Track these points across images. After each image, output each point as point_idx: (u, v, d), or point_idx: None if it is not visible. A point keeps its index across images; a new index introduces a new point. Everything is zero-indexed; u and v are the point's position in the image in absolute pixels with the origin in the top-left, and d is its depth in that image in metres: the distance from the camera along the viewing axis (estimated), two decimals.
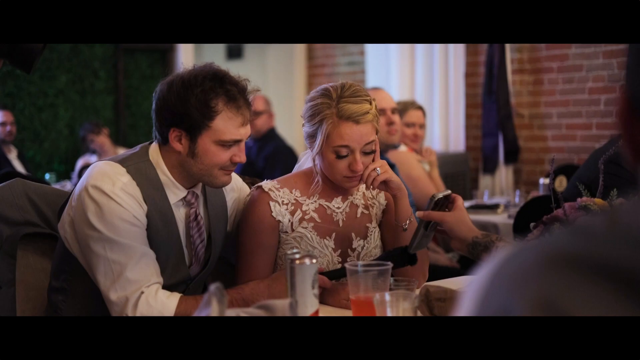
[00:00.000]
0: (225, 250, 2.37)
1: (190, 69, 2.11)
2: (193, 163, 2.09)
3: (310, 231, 2.26)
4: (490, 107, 6.26)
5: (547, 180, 4.72)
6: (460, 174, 6.27)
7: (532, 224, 2.15)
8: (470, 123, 6.66)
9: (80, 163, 6.29)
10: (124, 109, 7.26)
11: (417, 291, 1.98)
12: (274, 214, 2.25)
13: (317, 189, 2.30)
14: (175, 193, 2.14)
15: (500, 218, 4.33)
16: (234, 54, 8.73)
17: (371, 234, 2.35)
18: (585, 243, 0.69)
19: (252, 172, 5.51)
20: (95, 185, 2.03)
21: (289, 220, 2.26)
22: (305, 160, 2.44)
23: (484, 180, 6.38)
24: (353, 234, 2.32)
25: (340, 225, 2.32)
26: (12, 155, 6.20)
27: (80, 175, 5.70)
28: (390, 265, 1.90)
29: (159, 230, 2.09)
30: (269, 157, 5.59)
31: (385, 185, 2.28)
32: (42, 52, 2.18)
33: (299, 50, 7.87)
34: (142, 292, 1.98)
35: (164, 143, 2.12)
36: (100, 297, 2.04)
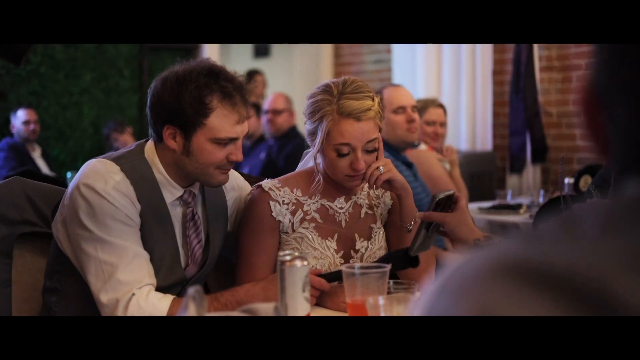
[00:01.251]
0: (227, 250, 2.31)
1: (185, 65, 2.05)
2: (188, 162, 2.03)
3: (312, 232, 2.20)
4: (517, 106, 6.15)
5: (572, 180, 4.61)
6: (486, 173, 6.16)
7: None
8: (497, 122, 6.55)
9: None
10: None
11: (418, 294, 1.91)
12: (274, 214, 2.18)
13: (319, 188, 2.23)
14: (171, 192, 2.09)
15: (522, 218, 4.23)
16: (261, 52, 8.70)
17: (375, 235, 2.27)
18: (532, 249, 0.66)
19: (273, 171, 5.47)
20: (87, 184, 1.98)
21: (290, 221, 2.20)
22: (309, 159, 2.38)
23: (511, 180, 6.27)
24: (356, 235, 2.25)
25: (343, 225, 2.25)
26: (36, 154, 6.21)
27: None
28: (387, 267, 1.83)
29: (153, 230, 2.04)
30: (289, 156, 5.53)
31: (389, 184, 2.20)
32: (31, 47, 2.15)
33: (325, 48, 7.81)
34: (134, 294, 1.93)
35: (158, 141, 2.07)
36: (92, 299, 1.99)
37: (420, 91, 6.47)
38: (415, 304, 0.72)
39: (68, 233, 2.02)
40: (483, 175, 6.11)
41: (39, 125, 6.29)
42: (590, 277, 0.59)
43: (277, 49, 8.69)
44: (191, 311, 1.44)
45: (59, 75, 6.78)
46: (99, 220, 1.96)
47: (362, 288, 1.83)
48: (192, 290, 1.46)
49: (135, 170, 2.04)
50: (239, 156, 2.05)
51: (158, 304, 1.93)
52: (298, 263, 1.71)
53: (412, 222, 2.23)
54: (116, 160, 2.05)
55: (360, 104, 2.11)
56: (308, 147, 2.26)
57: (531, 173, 6.18)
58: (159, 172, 2.07)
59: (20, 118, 6.11)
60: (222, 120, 1.99)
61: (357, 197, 2.29)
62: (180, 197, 2.11)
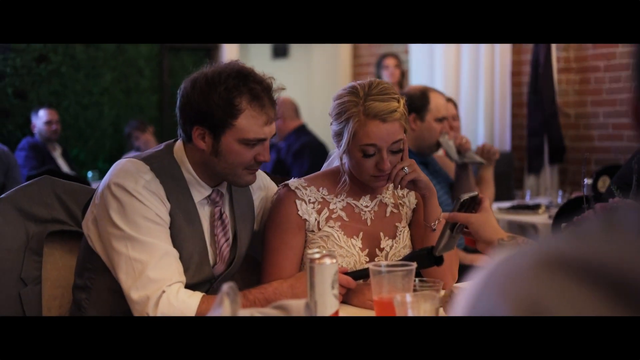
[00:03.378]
0: (253, 249, 2.35)
1: (214, 66, 2.09)
2: (217, 162, 2.06)
3: (337, 230, 2.23)
4: (535, 107, 6.16)
5: (591, 181, 4.62)
6: (505, 174, 6.17)
7: (563, 225, 2.09)
8: (515, 122, 6.57)
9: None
10: (168, 107, 7.30)
11: (443, 292, 1.94)
12: (300, 212, 2.22)
13: (345, 187, 2.26)
14: (199, 191, 2.12)
15: (541, 219, 4.24)
16: (280, 53, 8.74)
17: (400, 234, 2.30)
18: (579, 245, 0.68)
19: (282, 169, 5.57)
20: (118, 183, 2.02)
21: (316, 219, 2.23)
22: (334, 159, 2.41)
23: (529, 181, 6.28)
24: (381, 234, 2.28)
25: (369, 224, 2.28)
26: (57, 153, 6.27)
27: None
28: (414, 265, 1.86)
29: (182, 229, 2.08)
30: (296, 152, 5.72)
31: (413, 184, 2.24)
32: None
33: (344, 49, 7.84)
34: (164, 292, 1.96)
35: (187, 141, 2.11)
36: (122, 296, 2.03)
37: None
38: (457, 302, 0.74)
39: (99, 231, 2.06)
40: (501, 176, 6.11)
41: (60, 125, 6.35)
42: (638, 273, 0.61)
43: (295, 49, 8.72)
44: (226, 307, 1.47)
45: (80, 74, 6.85)
46: (130, 218, 2.00)
47: (388, 286, 1.86)
48: (226, 286, 1.49)
49: (165, 169, 2.08)
50: (266, 157, 2.09)
51: (188, 301, 1.97)
52: (327, 261, 1.74)
53: (437, 222, 2.26)
54: (146, 160, 2.09)
55: (387, 106, 2.14)
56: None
57: (549, 173, 6.19)
58: (188, 171, 2.11)
59: (42, 118, 6.18)
60: (251, 122, 2.03)
61: (383, 196, 2.32)
62: (208, 197, 2.15)
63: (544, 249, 0.69)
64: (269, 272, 2.22)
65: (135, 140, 6.41)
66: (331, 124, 2.26)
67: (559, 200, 4.65)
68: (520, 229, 4.08)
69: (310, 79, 8.07)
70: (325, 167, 2.43)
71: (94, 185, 2.77)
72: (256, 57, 8.88)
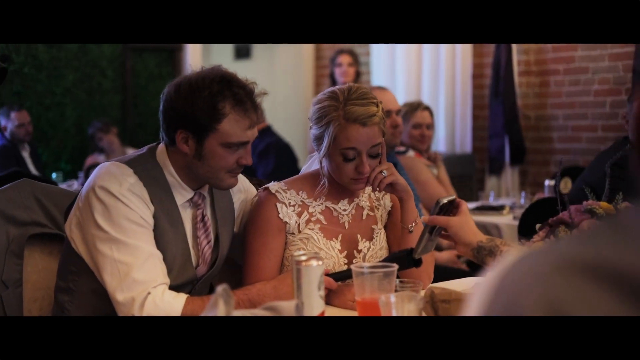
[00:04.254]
0: (232, 251, 2.38)
1: (197, 71, 2.12)
2: (200, 165, 2.10)
3: (317, 233, 2.28)
4: (496, 109, 6.28)
5: (552, 182, 4.72)
6: (466, 175, 6.28)
7: (537, 226, 2.16)
8: (477, 124, 6.68)
9: (88, 161, 6.32)
10: (131, 108, 7.28)
11: (422, 292, 1.99)
12: (280, 215, 2.26)
13: (324, 191, 2.31)
14: (182, 194, 2.16)
15: (506, 219, 4.33)
16: (242, 53, 8.75)
17: (377, 236, 2.36)
18: (593, 249, 0.71)
19: (246, 169, 5.61)
20: (102, 186, 2.04)
21: (296, 222, 2.27)
22: (312, 163, 2.46)
23: (490, 182, 6.39)
24: (359, 236, 2.33)
25: (347, 227, 2.33)
26: (26, 154, 6.24)
27: (87, 174, 5.73)
28: (396, 267, 1.91)
29: (166, 231, 2.10)
30: (261, 153, 5.77)
31: (391, 187, 2.29)
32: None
33: (306, 50, 7.88)
34: (149, 293, 1.99)
35: (170, 144, 2.13)
36: (107, 298, 2.05)
37: (400, 94, 6.57)
38: (472, 297, 0.77)
39: (83, 234, 2.08)
40: (463, 177, 6.22)
41: (32, 126, 6.32)
42: None
43: (258, 50, 8.74)
44: (220, 308, 1.51)
45: (42, 75, 6.80)
46: (115, 221, 2.02)
47: (370, 287, 1.90)
48: (220, 288, 1.53)
49: (148, 173, 2.11)
50: (248, 160, 2.13)
51: (173, 302, 2.00)
52: (314, 263, 1.79)
53: (414, 224, 2.31)
54: (129, 163, 2.11)
55: (366, 110, 2.19)
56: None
57: (510, 175, 6.31)
58: (171, 174, 2.14)
59: (14, 121, 6.14)
60: (234, 126, 2.07)
61: (360, 199, 2.38)
62: (191, 199, 2.18)
63: (559, 251, 0.71)
64: (251, 274, 2.26)
65: (99, 141, 6.39)
66: (310, 128, 2.31)
67: (522, 202, 4.75)
68: (484, 230, 4.16)
69: (273, 80, 8.09)
70: (304, 170, 2.48)
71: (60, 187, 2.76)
72: (218, 58, 8.88)
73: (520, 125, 6.27)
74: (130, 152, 6.60)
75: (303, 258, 1.80)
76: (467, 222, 2.04)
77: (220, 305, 1.52)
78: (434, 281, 2.36)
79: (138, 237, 2.04)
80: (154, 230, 2.08)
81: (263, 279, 2.22)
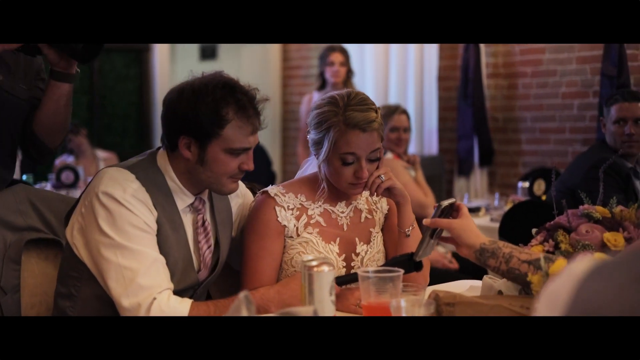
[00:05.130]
0: (229, 256, 2.39)
1: (200, 77, 2.13)
2: (202, 170, 2.11)
3: (316, 236, 2.30)
4: (465, 111, 6.35)
5: (525, 184, 4.80)
6: (435, 177, 6.34)
7: (534, 230, 2.20)
8: (445, 126, 6.74)
9: (57, 163, 6.25)
10: (99, 109, 7.21)
11: (422, 295, 2.02)
12: (279, 218, 2.28)
13: (323, 195, 2.33)
14: (183, 199, 2.16)
15: (483, 221, 4.39)
16: (208, 54, 8.72)
17: (374, 239, 2.38)
18: None
19: None
20: (105, 192, 2.04)
21: (295, 225, 2.29)
22: (308, 167, 2.48)
23: (459, 183, 6.47)
24: (357, 239, 2.36)
25: (345, 229, 2.35)
26: None
27: (58, 176, 5.67)
28: (400, 272, 1.94)
29: (168, 236, 2.11)
30: None
31: (388, 192, 2.32)
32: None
33: (273, 51, 7.89)
34: (155, 298, 1.99)
35: (172, 150, 2.14)
36: (109, 303, 2.05)
37: (368, 95, 6.58)
38: (548, 298, 0.79)
39: (86, 239, 2.07)
40: (432, 179, 6.27)
41: None
42: None
43: (224, 51, 8.72)
44: (243, 314, 1.52)
45: None
46: (119, 227, 2.02)
47: (376, 291, 1.93)
48: (242, 294, 1.54)
49: (149, 178, 2.11)
50: (250, 165, 2.14)
51: (179, 307, 2.00)
52: (326, 268, 1.81)
53: (411, 227, 2.35)
54: (130, 168, 2.11)
55: (366, 116, 2.22)
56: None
57: (479, 176, 6.38)
58: (172, 180, 2.14)
59: None
60: (237, 132, 2.08)
61: (357, 202, 2.40)
62: (191, 204, 2.18)
63: (634, 263, 0.76)
64: (250, 278, 2.27)
65: (68, 142, 6.33)
66: (309, 132, 2.33)
67: (496, 203, 4.81)
68: None
69: (239, 81, 8.06)
70: (299, 175, 2.50)
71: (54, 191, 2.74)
72: (184, 58, 8.85)
73: (488, 127, 6.35)
74: (100, 153, 6.53)
75: (314, 263, 1.82)
76: (469, 224, 2.07)
77: (243, 311, 1.53)
78: (431, 284, 2.39)
79: (142, 242, 2.04)
80: (156, 235, 2.08)
81: (262, 283, 2.23)
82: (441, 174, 6.44)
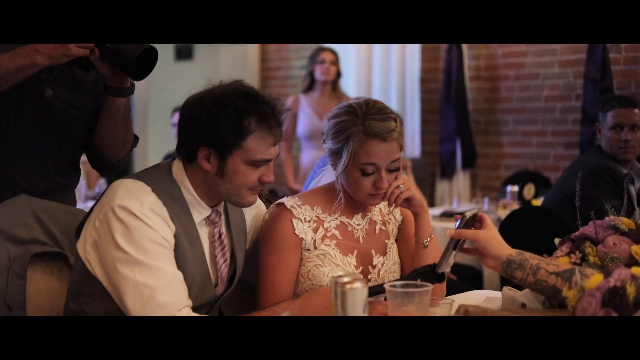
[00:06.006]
0: (242, 269, 2.33)
1: (219, 85, 2.07)
2: (222, 182, 2.04)
3: (334, 248, 2.24)
4: (448, 113, 6.34)
5: (514, 188, 4.79)
6: (418, 180, 6.30)
7: (557, 240, 2.16)
8: (427, 129, 6.73)
9: None
10: None
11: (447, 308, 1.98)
12: (296, 231, 2.22)
13: (340, 206, 2.28)
14: (199, 212, 2.09)
15: None
16: (184, 54, 8.60)
17: (390, 251, 2.34)
18: None
19: None
20: (122, 206, 1.96)
21: (312, 238, 2.24)
22: (322, 177, 2.42)
23: (441, 186, 6.45)
24: (373, 251, 2.31)
25: (361, 242, 2.30)
26: None
27: None
28: (430, 286, 1.89)
29: (185, 251, 2.04)
30: None
31: (407, 202, 2.27)
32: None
33: (251, 51, 7.80)
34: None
35: (189, 161, 2.07)
36: None
37: (352, 97, 6.56)
38: None
39: (100, 255, 1.99)
40: (415, 182, 6.26)
41: None
42: None
43: (200, 51, 8.61)
44: None
45: None
46: (136, 242, 1.94)
47: (404, 305, 1.88)
48: (285, 314, 1.50)
49: (166, 190, 2.04)
50: (270, 177, 2.08)
51: None
52: (359, 285, 1.75)
53: (429, 238, 2.30)
54: (146, 180, 2.03)
55: (386, 125, 2.17)
56: None
57: (461, 179, 6.37)
58: (189, 192, 2.07)
59: None
60: (259, 143, 2.01)
61: (372, 214, 2.35)
62: (208, 217, 2.12)
63: None
64: (266, 292, 2.21)
65: None
66: (324, 142, 2.27)
67: (485, 207, 4.79)
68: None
69: (216, 82, 7.97)
70: (313, 185, 2.44)
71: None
72: (159, 58, 8.71)
73: (471, 129, 6.35)
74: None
75: (346, 280, 1.76)
76: (495, 235, 2.03)
77: None
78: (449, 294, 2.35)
79: (160, 258, 1.96)
80: (174, 250, 2.02)
81: (279, 297, 2.17)
82: (424, 176, 6.42)
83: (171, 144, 6.89)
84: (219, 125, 1.99)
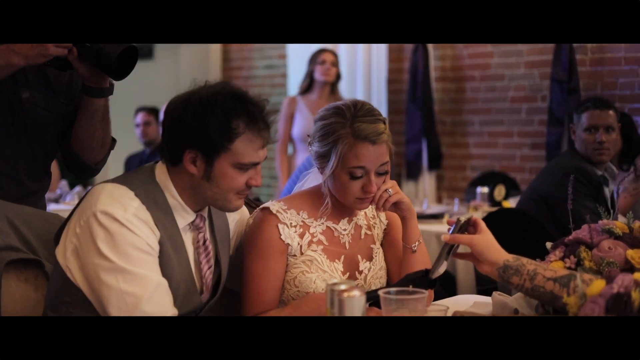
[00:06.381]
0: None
1: (205, 86, 1.99)
2: (208, 186, 1.97)
3: (320, 254, 2.18)
4: (414, 114, 6.32)
5: (484, 189, 4.78)
6: None
7: (548, 244, 2.13)
8: (393, 129, 6.66)
9: None
10: None
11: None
12: (282, 237, 2.16)
13: (327, 211, 2.22)
14: (184, 217, 2.02)
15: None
16: (144, 54, 8.47)
17: (376, 256, 2.29)
18: None
19: None
20: (105, 211, 1.88)
21: (298, 243, 2.17)
22: (307, 180, 2.36)
23: (407, 187, 6.43)
24: (359, 256, 2.26)
25: (347, 247, 2.25)
26: None
27: None
28: (425, 293, 1.84)
29: (170, 258, 1.96)
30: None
31: (395, 206, 2.23)
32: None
33: (213, 51, 7.71)
34: None
35: (174, 164, 1.99)
36: None
37: None
38: None
39: (82, 263, 1.91)
40: None
41: None
42: None
43: (160, 50, 8.48)
44: None
45: None
46: (120, 249, 1.87)
47: (398, 312, 1.83)
48: None
49: (149, 195, 1.96)
50: (258, 181, 2.01)
51: None
52: (357, 293, 1.70)
53: (417, 243, 2.25)
54: (129, 185, 1.96)
55: (375, 128, 2.12)
56: None
57: (427, 180, 6.36)
58: (173, 196, 2.00)
59: None
60: (247, 145, 1.95)
61: (357, 218, 2.30)
62: (192, 222, 2.04)
63: None
64: (251, 299, 2.14)
65: None
66: (310, 144, 2.21)
67: (455, 209, 4.77)
68: (430, 238, 4.14)
69: (177, 83, 7.86)
70: (297, 189, 2.38)
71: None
72: None
73: (437, 130, 6.34)
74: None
75: (343, 287, 1.71)
76: (491, 240, 1.98)
77: None
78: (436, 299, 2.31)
79: (145, 265, 1.89)
80: (158, 257, 1.94)
81: (265, 304, 2.12)
82: (391, 177, 6.38)
83: (133, 145, 6.78)
84: (206, 127, 1.91)
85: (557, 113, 5.54)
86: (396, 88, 6.66)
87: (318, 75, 5.51)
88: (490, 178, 5.36)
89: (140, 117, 6.42)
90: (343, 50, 6.64)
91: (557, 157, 4.07)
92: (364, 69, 6.57)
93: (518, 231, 3.31)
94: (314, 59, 5.58)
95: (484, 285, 3.73)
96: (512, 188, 5.22)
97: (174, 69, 8.15)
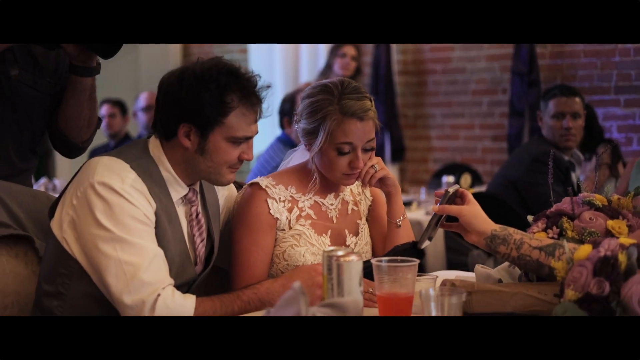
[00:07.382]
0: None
1: (199, 62, 2.03)
2: (202, 160, 2.01)
3: (308, 228, 2.23)
4: (377, 107, 6.31)
5: (450, 178, 4.86)
6: None
7: (530, 217, 2.20)
8: None
9: None
10: None
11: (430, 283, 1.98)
12: (271, 211, 2.20)
13: (314, 186, 2.27)
14: (177, 190, 2.05)
15: (418, 215, 4.42)
16: None
17: (362, 231, 2.34)
18: None
19: None
20: (102, 182, 1.91)
21: (287, 218, 2.22)
22: (293, 157, 2.41)
23: None
24: (346, 231, 2.31)
25: (334, 222, 2.30)
26: None
27: None
28: (416, 262, 1.90)
29: (166, 229, 2.00)
30: None
31: (381, 182, 2.28)
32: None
33: (173, 50, 7.70)
34: (159, 295, 1.88)
35: (167, 138, 2.03)
36: (101, 301, 1.93)
37: (279, 95, 6.54)
38: None
39: (78, 233, 1.94)
40: None
41: None
42: None
43: (121, 49, 8.42)
44: (302, 305, 1.46)
45: None
46: (118, 219, 1.90)
47: (390, 282, 1.88)
48: (297, 284, 1.48)
49: (144, 168, 1.99)
50: (250, 155, 2.06)
51: (185, 303, 1.90)
52: (354, 257, 1.75)
53: (402, 218, 2.32)
54: (124, 158, 1.99)
55: (362, 104, 2.18)
56: None
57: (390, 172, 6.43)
58: (167, 170, 2.03)
59: None
60: (241, 119, 1.99)
61: (344, 194, 2.35)
62: (185, 196, 2.08)
63: None
64: (241, 273, 2.18)
65: None
66: (298, 122, 2.26)
67: (422, 197, 4.85)
68: None
69: (138, 79, 7.84)
70: (283, 165, 2.42)
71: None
72: None
73: (399, 123, 6.42)
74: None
75: (340, 253, 1.76)
76: (478, 210, 2.05)
77: (301, 302, 1.46)
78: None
79: (142, 235, 1.92)
80: (155, 228, 1.97)
81: (254, 278, 2.15)
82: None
83: (98, 138, 6.74)
84: (200, 102, 1.95)
85: (517, 105, 5.66)
86: (359, 82, 6.72)
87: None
88: (452, 170, 5.46)
89: (104, 109, 6.39)
90: (304, 47, 6.69)
91: (525, 143, 4.18)
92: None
93: (489, 214, 3.38)
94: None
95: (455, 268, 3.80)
96: (474, 180, 5.31)
97: (134, 67, 8.11)
